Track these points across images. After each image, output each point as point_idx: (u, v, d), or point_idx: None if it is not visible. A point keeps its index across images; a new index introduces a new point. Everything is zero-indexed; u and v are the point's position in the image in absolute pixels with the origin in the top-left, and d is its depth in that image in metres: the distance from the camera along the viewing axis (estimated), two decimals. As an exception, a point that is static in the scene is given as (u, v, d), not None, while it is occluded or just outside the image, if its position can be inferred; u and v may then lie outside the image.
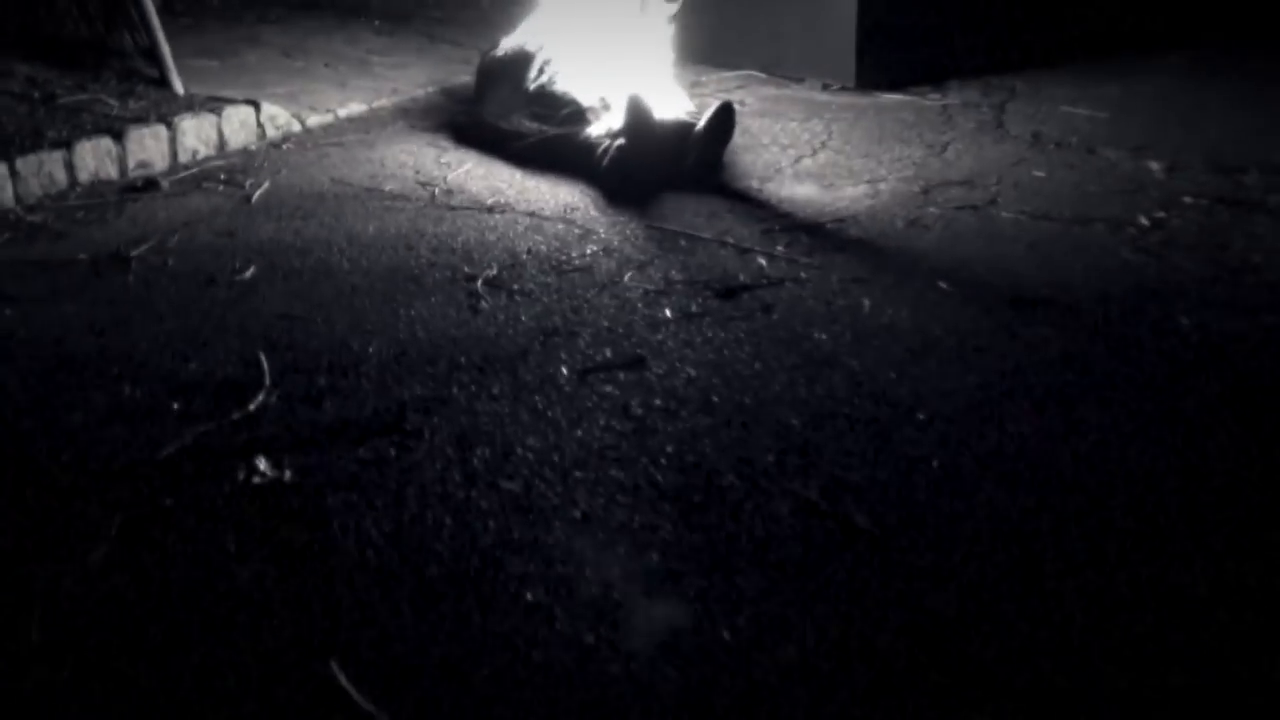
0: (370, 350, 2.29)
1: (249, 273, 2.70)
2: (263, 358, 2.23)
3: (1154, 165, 3.69)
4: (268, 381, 2.14)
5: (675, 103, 3.80)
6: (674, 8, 3.94)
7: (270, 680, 1.41)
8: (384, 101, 4.37)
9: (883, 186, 3.51)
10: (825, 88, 4.83)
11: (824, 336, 2.44)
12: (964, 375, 2.23)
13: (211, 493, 1.80)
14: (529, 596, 1.56)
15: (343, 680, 1.37)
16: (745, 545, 1.69)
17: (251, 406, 2.04)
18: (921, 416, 2.07)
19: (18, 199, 3.20)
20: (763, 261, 2.88)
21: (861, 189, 3.50)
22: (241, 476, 1.83)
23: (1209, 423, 2.06)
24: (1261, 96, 4.64)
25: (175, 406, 2.09)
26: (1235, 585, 1.60)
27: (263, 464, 1.85)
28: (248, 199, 3.30)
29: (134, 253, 2.85)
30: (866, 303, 2.62)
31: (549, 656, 1.45)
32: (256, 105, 3.90)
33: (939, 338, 2.40)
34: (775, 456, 1.92)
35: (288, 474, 1.84)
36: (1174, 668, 1.44)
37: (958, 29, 5.10)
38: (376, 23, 5.69)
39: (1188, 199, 3.36)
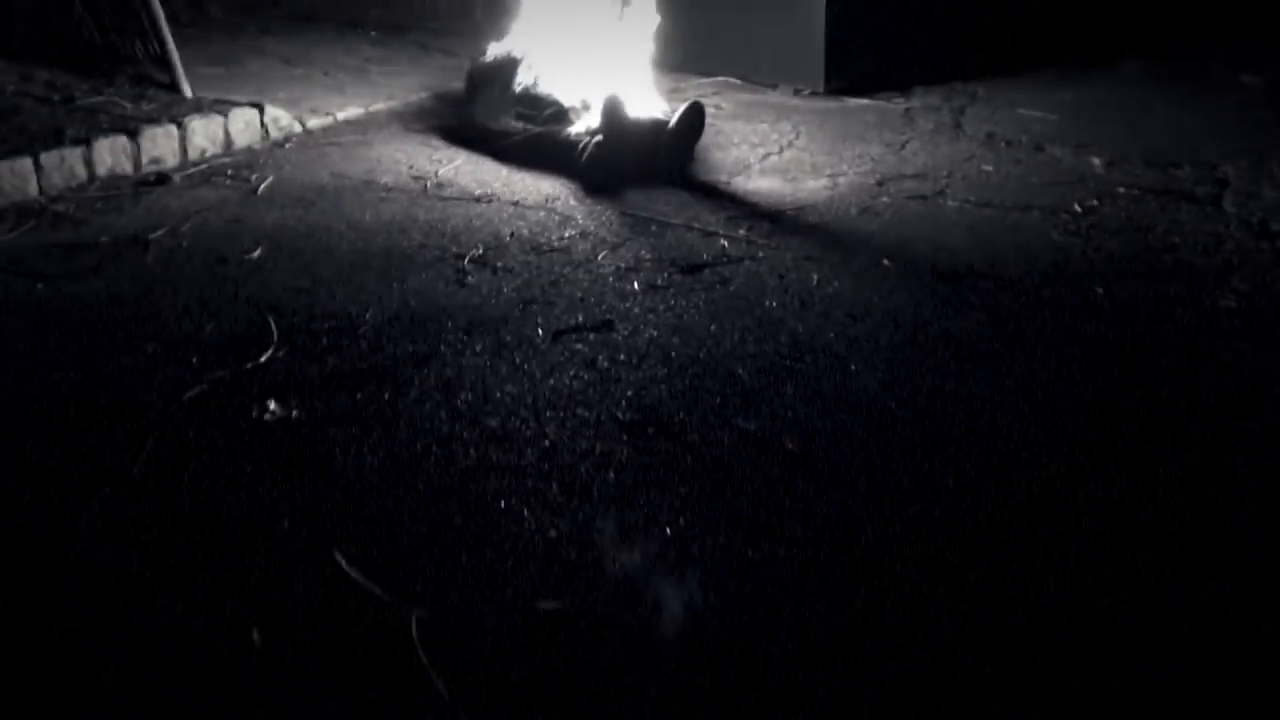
0: (367, 316, 2.57)
1: (257, 253, 2.98)
2: (271, 321, 2.51)
3: (1095, 160, 3.95)
4: (276, 340, 2.42)
5: (651, 104, 4.05)
6: (655, 21, 4.20)
7: (285, 565, 1.69)
8: (380, 106, 4.62)
9: (842, 180, 3.76)
10: (797, 93, 5.09)
11: (774, 304, 2.70)
12: (893, 334, 2.52)
13: (229, 426, 2.08)
14: (503, 504, 1.84)
15: (344, 564, 1.66)
16: (689, 464, 1.97)
17: (262, 359, 2.32)
18: (852, 367, 2.35)
19: (41, 191, 3.45)
20: (725, 243, 3.13)
21: (822, 182, 3.75)
22: (255, 414, 2.11)
23: (1100, 365, 2.35)
24: (1205, 99, 4.91)
25: (194, 360, 2.34)
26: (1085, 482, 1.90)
27: (273, 404, 2.12)
28: (254, 191, 3.55)
29: (151, 236, 3.11)
30: (815, 276, 2.87)
31: (518, 546, 1.73)
32: (260, 108, 4.15)
33: (876, 304, 2.69)
34: (721, 399, 2.20)
35: (295, 412, 2.11)
36: (967, 526, 1.73)
37: (924, 38, 5.37)
38: (373, 34, 5.96)
39: (1121, 189, 3.61)
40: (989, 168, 3.89)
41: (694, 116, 3.89)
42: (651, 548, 1.74)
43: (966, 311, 2.65)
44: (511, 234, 3.19)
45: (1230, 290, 2.80)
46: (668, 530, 1.77)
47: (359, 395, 2.19)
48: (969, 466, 1.98)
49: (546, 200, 3.52)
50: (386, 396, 2.18)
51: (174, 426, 2.08)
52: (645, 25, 4.24)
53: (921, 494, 1.89)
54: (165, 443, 2.02)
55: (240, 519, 1.80)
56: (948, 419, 2.14)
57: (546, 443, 2.02)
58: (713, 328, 2.51)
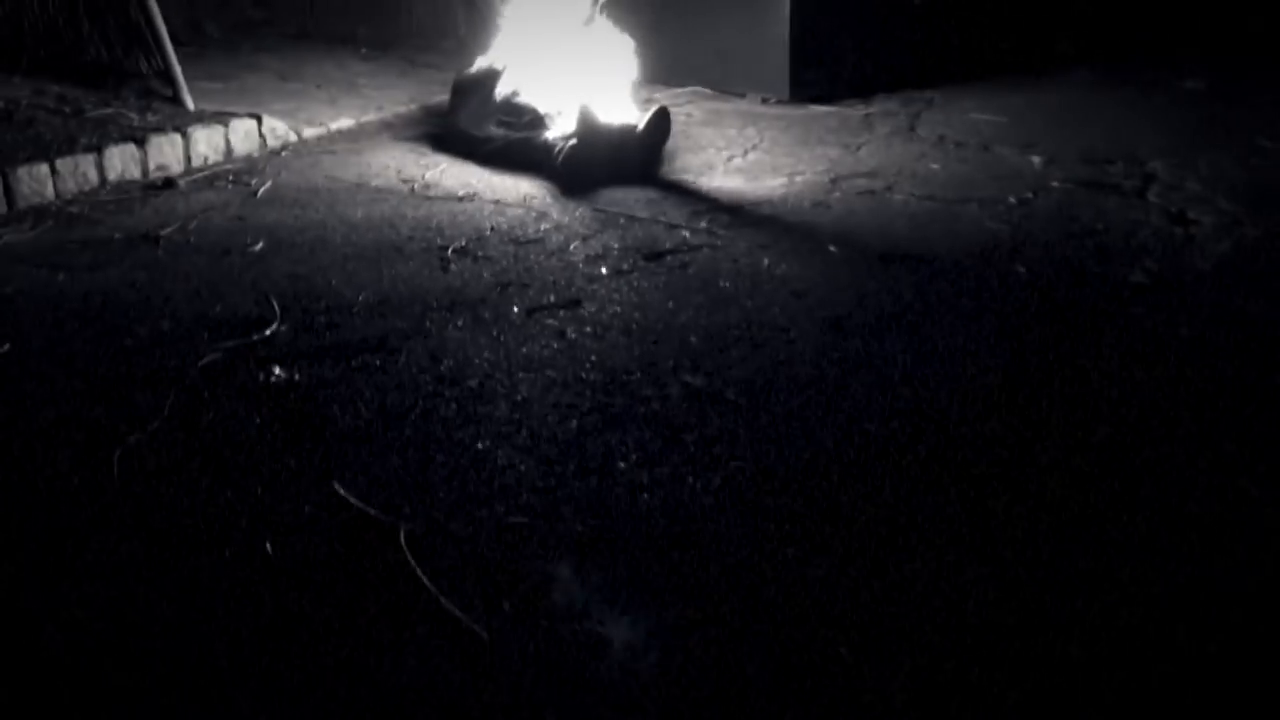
0: (360, 298, 2.85)
1: (259, 246, 3.25)
2: (274, 302, 2.79)
3: (1035, 159, 4.22)
4: (279, 317, 2.70)
5: (623, 111, 4.32)
6: (626, 40, 4.47)
7: (291, 495, 1.97)
8: (370, 117, 4.89)
9: (799, 179, 4.03)
10: (764, 101, 5.37)
11: (727, 284, 2.96)
12: (833, 307, 2.81)
13: (240, 386, 2.37)
14: (479, 445, 2.12)
15: (342, 491, 1.94)
16: (641, 412, 2.26)
17: (267, 332, 2.61)
18: (792, 335, 2.65)
19: (57, 194, 3.69)
20: (687, 234, 3.39)
21: (781, 180, 4.02)
22: (261, 378, 2.39)
23: (1012, 330, 2.64)
24: (1148, 103, 5.21)
25: (206, 335, 2.61)
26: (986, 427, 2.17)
27: (277, 370, 2.40)
28: (254, 194, 3.81)
29: (161, 233, 3.36)
30: (766, 261, 3.14)
31: (492, 478, 2.01)
32: (259, 118, 4.41)
33: (818, 283, 2.98)
34: (674, 361, 2.50)
35: (296, 376, 2.39)
36: (876, 466, 2.01)
37: (884, 49, 5.66)
38: (363, 50, 6.22)
39: (1056, 184, 3.89)
40: (936, 166, 4.17)
41: (661, 121, 4.16)
42: (606, 479, 2.01)
43: (899, 288, 2.95)
44: (492, 228, 3.45)
45: (1142, 268, 3.07)
46: (620, 465, 2.06)
47: (353, 362, 2.47)
48: (886, 414, 2.26)
49: (524, 199, 3.78)
50: (378, 363, 2.46)
51: (192, 386, 2.37)
52: (620, 40, 4.51)
53: (842, 435, 2.17)
54: (184, 400, 2.30)
55: (251, 459, 2.08)
56: (871, 376, 2.42)
57: (519, 398, 2.30)
58: (670, 304, 2.80)
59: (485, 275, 2.99)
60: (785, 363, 2.47)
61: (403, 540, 1.80)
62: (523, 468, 2.03)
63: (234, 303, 2.78)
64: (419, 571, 1.73)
